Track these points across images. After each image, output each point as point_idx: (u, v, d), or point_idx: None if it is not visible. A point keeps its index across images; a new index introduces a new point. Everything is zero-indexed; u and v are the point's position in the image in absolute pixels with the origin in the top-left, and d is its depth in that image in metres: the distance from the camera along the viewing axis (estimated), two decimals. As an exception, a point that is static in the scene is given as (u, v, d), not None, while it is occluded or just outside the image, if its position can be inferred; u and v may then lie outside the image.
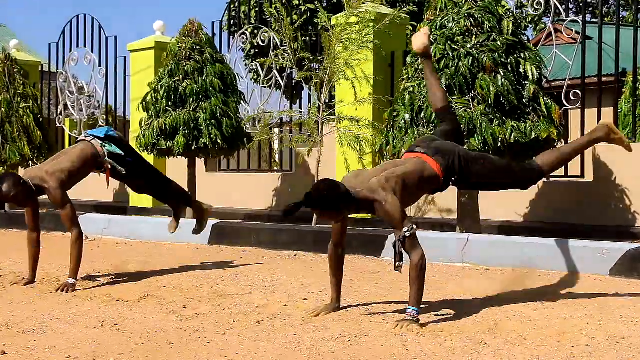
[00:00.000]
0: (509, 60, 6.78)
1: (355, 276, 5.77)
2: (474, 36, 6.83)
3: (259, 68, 11.11)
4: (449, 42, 6.84)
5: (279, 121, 10.84)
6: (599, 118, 8.20)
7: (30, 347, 3.74)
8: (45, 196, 5.55)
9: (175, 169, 10.62)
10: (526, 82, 6.78)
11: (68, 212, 5.42)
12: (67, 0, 78.47)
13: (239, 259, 6.86)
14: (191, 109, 9.15)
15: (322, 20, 8.86)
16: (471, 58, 6.72)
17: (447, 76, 6.74)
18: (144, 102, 9.57)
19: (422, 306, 4.12)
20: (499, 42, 6.78)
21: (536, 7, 8.43)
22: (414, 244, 4.06)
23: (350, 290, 5.15)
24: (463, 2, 6.98)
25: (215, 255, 7.16)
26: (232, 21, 12.36)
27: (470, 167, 4.41)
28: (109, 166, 5.74)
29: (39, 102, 12.44)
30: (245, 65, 17.48)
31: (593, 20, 16.23)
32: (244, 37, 11.17)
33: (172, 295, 5.06)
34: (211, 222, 8.39)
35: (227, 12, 12.39)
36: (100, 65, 12.59)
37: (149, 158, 10.57)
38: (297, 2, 19.20)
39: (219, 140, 9.06)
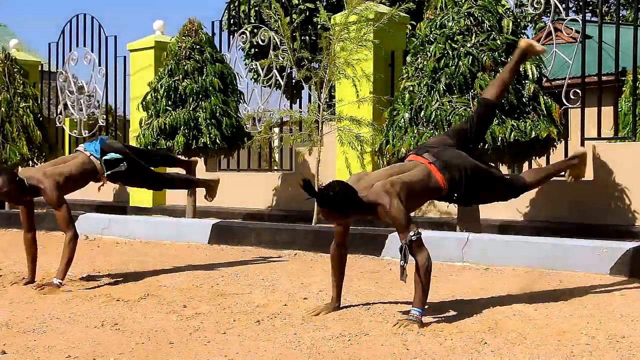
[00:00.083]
0: (508, 60, 6.77)
1: (356, 275, 5.77)
2: (474, 35, 6.83)
3: (259, 67, 11.11)
4: (448, 41, 6.85)
5: (279, 120, 10.83)
6: (599, 117, 8.21)
7: (30, 346, 3.74)
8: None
9: (175, 169, 10.61)
10: (526, 81, 6.78)
11: (63, 213, 5.41)
12: (67, 0, 78.57)
13: (239, 259, 6.87)
14: (191, 109, 9.15)
15: (322, 19, 8.86)
16: (471, 57, 6.72)
17: (447, 75, 6.74)
18: (143, 102, 9.57)
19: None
20: (498, 41, 6.79)
21: (536, 6, 8.42)
22: (420, 247, 4.07)
23: (350, 289, 5.15)
24: (463, 1, 6.99)
25: (215, 254, 7.16)
26: (231, 20, 12.37)
27: (474, 186, 4.44)
28: (106, 181, 5.81)
29: (39, 102, 12.44)
30: (245, 64, 17.51)
31: (593, 19, 16.24)
32: (244, 36, 11.17)
33: (172, 294, 5.06)
34: (211, 221, 8.40)
35: (226, 11, 12.39)
36: (100, 65, 12.59)
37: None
38: (297, 2, 19.20)
39: (218, 140, 9.06)
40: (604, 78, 8.49)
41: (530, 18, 22.15)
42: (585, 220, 7.82)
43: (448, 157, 4.38)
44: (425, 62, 6.94)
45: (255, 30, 10.95)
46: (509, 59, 6.75)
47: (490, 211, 7.90)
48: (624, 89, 12.42)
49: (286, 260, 6.76)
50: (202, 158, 10.10)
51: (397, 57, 9.16)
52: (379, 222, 8.72)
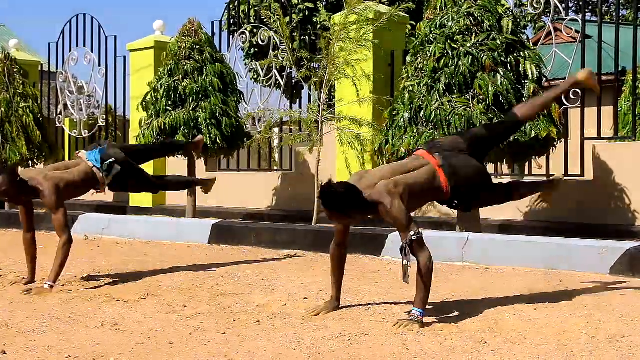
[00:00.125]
0: (508, 59, 6.78)
1: (356, 275, 5.77)
2: (474, 35, 6.83)
3: (259, 67, 11.11)
4: (448, 41, 6.85)
5: (279, 120, 10.83)
6: (599, 117, 8.21)
7: (30, 346, 3.74)
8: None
9: (175, 169, 10.62)
10: (526, 81, 6.78)
11: (60, 217, 5.39)
12: (67, 0, 78.57)
13: (239, 259, 6.86)
14: (191, 109, 9.15)
15: (321, 18, 8.86)
16: (471, 57, 6.72)
17: (447, 75, 6.74)
18: (143, 102, 9.57)
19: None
20: (498, 41, 6.79)
21: (536, 5, 8.42)
22: (421, 247, 4.07)
23: (350, 289, 5.15)
24: (463, 1, 6.99)
25: (215, 254, 7.16)
26: (231, 20, 12.37)
27: (475, 195, 4.45)
28: (106, 190, 5.83)
29: (39, 102, 12.44)
30: (245, 64, 17.51)
31: (593, 19, 16.24)
32: (244, 36, 11.17)
33: (172, 294, 5.06)
34: (211, 221, 8.40)
35: (226, 11, 12.39)
36: (100, 65, 12.59)
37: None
38: (296, 1, 19.19)
39: (218, 140, 9.06)
40: (603, 78, 8.49)
41: (530, 18, 22.14)
42: (585, 220, 7.83)
43: (458, 164, 4.34)
44: (425, 62, 6.94)
45: (255, 30, 10.95)
46: (509, 58, 6.77)
47: (490, 211, 7.89)
48: (623, 88, 12.42)
49: (286, 260, 6.76)
50: (202, 158, 10.11)
51: (396, 57, 9.16)
52: (379, 222, 8.73)
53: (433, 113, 6.69)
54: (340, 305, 4.54)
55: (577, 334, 3.80)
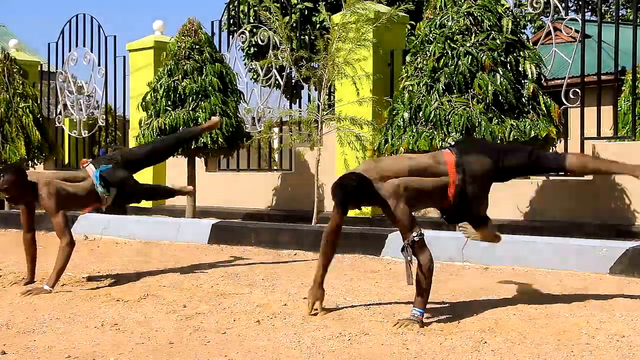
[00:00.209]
0: (508, 59, 6.78)
1: (355, 275, 5.77)
2: (473, 35, 6.83)
3: (258, 67, 11.11)
4: (448, 41, 6.85)
5: (278, 120, 10.83)
6: (599, 117, 8.21)
7: (30, 347, 3.74)
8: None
9: (175, 169, 10.62)
10: (525, 81, 6.78)
11: (59, 220, 5.37)
12: (66, 0, 78.56)
13: (238, 259, 6.86)
14: (190, 109, 9.15)
15: (321, 18, 8.86)
16: (470, 57, 6.72)
17: (447, 75, 6.74)
18: (143, 102, 9.57)
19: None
20: (498, 41, 6.79)
21: (535, 5, 8.42)
22: (422, 248, 4.08)
23: (350, 289, 5.15)
24: (462, 0, 6.99)
25: (215, 254, 7.16)
26: (231, 20, 12.36)
27: (466, 217, 4.48)
28: (105, 207, 5.85)
29: (39, 102, 12.44)
30: (245, 64, 17.50)
31: (592, 18, 16.24)
32: (243, 36, 11.17)
33: (172, 294, 5.06)
34: (211, 221, 8.40)
35: (226, 11, 12.39)
36: (99, 65, 12.58)
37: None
38: (296, 1, 19.19)
39: (218, 140, 9.06)
40: (603, 77, 8.49)
41: (529, 17, 22.15)
42: (585, 220, 7.83)
43: (471, 192, 4.28)
44: (424, 62, 6.94)
45: (255, 30, 10.95)
46: (508, 58, 6.77)
47: (490, 211, 7.88)
48: (623, 88, 12.43)
49: (286, 260, 6.76)
50: (202, 158, 10.11)
51: (396, 57, 9.16)
52: (379, 222, 8.74)
53: (432, 113, 6.69)
54: (340, 305, 4.54)
55: (577, 333, 3.80)
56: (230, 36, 11.62)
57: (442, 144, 6.54)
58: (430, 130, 6.68)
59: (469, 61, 6.71)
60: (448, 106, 6.67)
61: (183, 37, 9.50)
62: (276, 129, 11.55)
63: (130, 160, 5.94)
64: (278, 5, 9.21)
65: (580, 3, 22.93)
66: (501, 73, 6.66)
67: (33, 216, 5.67)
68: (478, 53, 6.73)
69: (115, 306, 4.72)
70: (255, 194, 10.77)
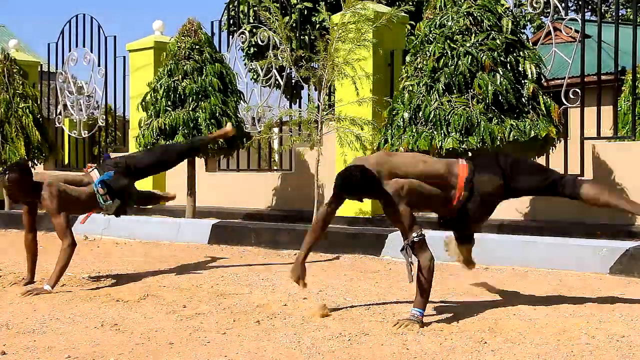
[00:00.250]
0: (508, 59, 6.78)
1: (355, 275, 5.78)
2: (473, 35, 6.83)
3: (258, 67, 11.11)
4: (448, 41, 6.85)
5: (278, 120, 10.82)
6: (599, 117, 8.21)
7: (30, 347, 3.74)
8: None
9: (175, 169, 10.61)
10: (525, 81, 6.78)
11: (61, 221, 5.37)
12: (66, 0, 78.55)
13: (239, 259, 6.87)
14: (190, 109, 9.15)
15: (320, 18, 8.86)
16: (470, 57, 6.72)
17: (446, 75, 6.74)
18: (143, 102, 9.57)
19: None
20: (498, 41, 6.78)
21: (535, 5, 8.42)
22: (423, 248, 4.08)
23: (350, 289, 5.15)
24: (462, 0, 6.99)
25: (215, 254, 7.16)
26: (231, 20, 12.35)
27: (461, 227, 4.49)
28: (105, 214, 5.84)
29: (39, 102, 12.43)
30: (245, 64, 17.49)
31: (592, 18, 16.25)
32: (243, 36, 11.17)
33: (172, 295, 5.06)
34: (211, 222, 8.40)
35: (226, 11, 12.39)
36: (99, 65, 12.58)
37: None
38: (295, 1, 19.19)
39: (218, 140, 9.05)
40: (603, 77, 8.49)
41: (529, 17, 22.15)
42: (585, 220, 7.82)
43: (477, 206, 4.29)
44: (424, 62, 6.94)
45: (255, 30, 10.95)
46: (508, 58, 6.77)
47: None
48: (623, 88, 12.42)
49: (286, 260, 6.76)
50: (202, 158, 10.11)
51: (396, 57, 9.16)
52: (379, 222, 8.73)
53: (432, 113, 6.69)
54: (340, 306, 4.54)
55: (577, 333, 3.81)
56: (230, 36, 11.62)
57: (441, 144, 6.54)
58: (430, 130, 6.68)
59: (469, 61, 6.71)
60: (448, 106, 6.67)
61: (183, 38, 9.49)
62: (276, 130, 11.54)
63: (135, 168, 5.92)
64: (278, 5, 9.20)
65: (580, 3, 22.92)
66: (501, 73, 6.66)
67: (35, 216, 5.67)
68: (478, 53, 6.73)
69: (115, 306, 4.73)
70: (255, 194, 10.77)
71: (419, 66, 6.98)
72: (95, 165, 5.85)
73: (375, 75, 8.90)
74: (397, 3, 18.76)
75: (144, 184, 11.23)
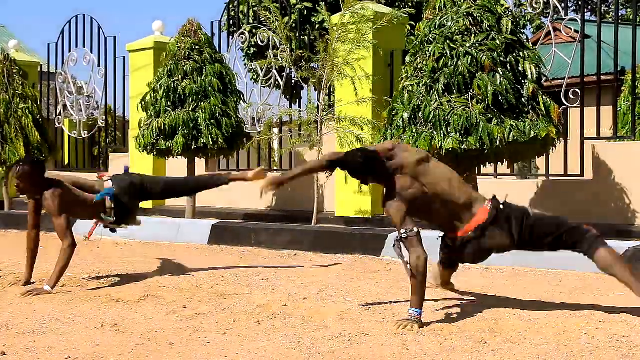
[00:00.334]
0: (508, 59, 6.78)
1: (355, 275, 5.78)
2: (473, 35, 6.83)
3: (258, 68, 11.11)
4: (447, 41, 6.84)
5: (278, 121, 10.82)
6: (598, 117, 8.21)
7: (30, 347, 3.74)
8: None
9: (176, 169, 10.62)
10: (525, 81, 6.78)
11: (61, 222, 5.35)
12: (66, 0, 78.51)
13: (238, 259, 6.87)
14: (190, 109, 9.15)
15: (320, 18, 8.86)
16: (470, 57, 6.72)
17: (446, 75, 6.74)
18: (143, 102, 9.57)
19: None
20: (498, 41, 6.78)
21: (535, 5, 8.42)
22: (412, 246, 4.07)
23: (350, 289, 5.15)
24: (462, 1, 6.98)
25: (215, 255, 7.16)
26: (231, 21, 12.36)
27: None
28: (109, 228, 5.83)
29: (39, 103, 12.43)
30: (245, 65, 17.50)
31: (592, 18, 16.25)
32: (243, 36, 11.17)
33: (172, 295, 5.06)
34: (211, 222, 8.40)
35: (226, 11, 12.39)
36: (99, 66, 12.57)
37: (149, 158, 10.61)
38: (295, 1, 19.19)
39: (218, 140, 9.06)
40: (603, 77, 8.49)
41: (529, 18, 22.14)
42: (585, 220, 7.80)
43: (476, 250, 4.29)
44: (424, 62, 6.94)
45: (254, 31, 10.95)
46: (508, 58, 6.77)
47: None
48: (623, 88, 12.42)
49: (286, 260, 6.76)
50: (203, 159, 10.11)
51: (396, 57, 9.16)
52: (379, 222, 8.74)
53: (432, 113, 6.69)
54: (340, 306, 4.54)
55: (576, 333, 3.81)
56: (230, 37, 11.62)
57: (441, 144, 6.54)
58: (430, 131, 6.68)
59: (469, 61, 6.71)
60: (447, 106, 6.67)
61: (183, 38, 9.50)
62: (276, 130, 11.54)
63: (150, 189, 5.90)
64: (277, 5, 9.20)
65: (579, 3, 22.93)
66: (501, 73, 6.66)
67: (40, 214, 5.66)
68: (478, 53, 6.72)
69: (115, 307, 4.73)
70: (255, 195, 10.73)
71: (418, 66, 6.98)
72: (112, 176, 5.83)
73: (375, 75, 8.89)
74: (397, 4, 18.78)
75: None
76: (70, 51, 13.08)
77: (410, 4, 19.27)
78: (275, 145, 14.06)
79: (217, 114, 9.14)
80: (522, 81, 6.79)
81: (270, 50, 10.31)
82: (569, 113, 9.31)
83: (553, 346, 3.59)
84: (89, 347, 3.74)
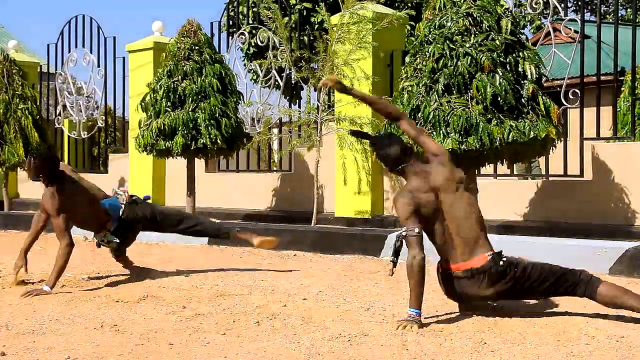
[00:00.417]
0: (507, 60, 6.78)
1: (355, 275, 5.78)
2: (473, 35, 6.83)
3: (258, 68, 11.11)
4: (447, 42, 6.84)
5: (278, 121, 10.83)
6: (598, 117, 8.21)
7: (29, 348, 3.74)
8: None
9: (175, 169, 10.62)
10: (525, 82, 6.78)
11: (60, 222, 5.35)
12: (66, 0, 78.53)
13: (238, 260, 6.87)
14: (190, 109, 9.15)
15: (319, 19, 8.87)
16: (470, 57, 6.72)
17: (446, 76, 6.74)
18: (142, 103, 9.57)
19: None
20: (497, 42, 6.78)
21: (535, 6, 8.42)
22: (410, 246, 4.06)
23: (350, 289, 5.15)
24: (462, 1, 6.98)
25: (215, 255, 7.16)
26: (230, 21, 12.37)
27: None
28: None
29: (38, 103, 12.43)
30: (244, 65, 17.50)
31: (592, 19, 16.26)
32: (243, 37, 11.17)
33: (172, 295, 5.06)
34: (210, 222, 8.39)
35: (225, 12, 12.39)
36: (99, 66, 12.57)
37: (148, 158, 10.60)
38: (294, 1, 19.20)
39: (218, 141, 9.06)
40: (602, 78, 8.48)
41: (529, 18, 22.13)
42: (585, 220, 7.82)
43: (455, 292, 4.21)
44: (423, 63, 6.94)
45: (254, 31, 10.96)
46: (508, 59, 6.78)
47: (489, 211, 7.90)
48: (622, 88, 12.42)
49: (285, 261, 6.76)
50: (202, 159, 10.11)
51: (395, 58, 9.15)
52: (379, 223, 8.74)
53: (432, 113, 6.69)
54: (340, 306, 4.54)
55: (576, 334, 3.81)
56: (230, 37, 11.62)
57: (441, 144, 6.54)
58: (430, 131, 6.68)
59: (468, 62, 6.71)
60: (447, 107, 6.67)
61: (182, 38, 9.50)
62: (275, 130, 11.54)
63: (154, 220, 5.90)
64: (277, 6, 9.20)
65: (579, 3, 22.93)
66: (500, 74, 6.66)
67: None
68: (477, 54, 6.72)
69: (115, 307, 4.73)
70: (254, 195, 10.77)
71: (418, 67, 6.98)
72: (132, 197, 5.81)
73: (375, 76, 8.89)
74: (397, 5, 18.78)
75: (144, 186, 11.25)
76: (69, 51, 13.08)
77: (409, 5, 19.28)
78: (275, 146, 14.06)
79: (217, 115, 9.13)
80: (522, 81, 6.79)
81: (269, 51, 10.31)
82: (568, 113, 9.30)
83: (553, 346, 3.59)
84: (88, 347, 3.74)
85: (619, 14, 9.07)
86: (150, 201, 6.04)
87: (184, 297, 4.97)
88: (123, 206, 5.70)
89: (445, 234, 4.15)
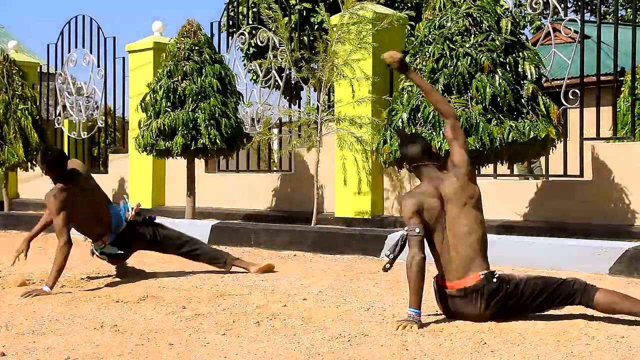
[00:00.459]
0: (507, 60, 6.78)
1: (355, 276, 5.78)
2: (473, 36, 6.83)
3: (258, 68, 11.11)
4: (447, 42, 6.85)
5: (278, 121, 10.83)
6: (598, 117, 8.21)
7: (29, 348, 3.74)
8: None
9: (175, 170, 10.62)
10: (525, 82, 6.78)
11: (59, 221, 5.34)
12: (66, 0, 78.56)
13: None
14: (190, 110, 9.15)
15: (318, 19, 8.86)
16: (469, 58, 6.72)
17: (446, 76, 6.74)
18: (142, 103, 9.57)
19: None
20: (497, 42, 6.79)
21: (535, 6, 8.42)
22: (410, 246, 4.06)
23: (350, 289, 5.15)
24: (461, 1, 6.99)
25: (214, 255, 7.14)
26: (230, 21, 12.37)
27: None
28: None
29: (38, 104, 12.42)
30: (244, 65, 17.50)
31: (592, 19, 16.27)
32: (243, 37, 11.17)
33: (172, 295, 5.06)
34: (210, 222, 8.40)
35: (225, 12, 12.39)
36: (99, 66, 12.58)
37: (148, 158, 10.60)
38: (294, 2, 19.20)
39: (218, 141, 9.06)
40: (602, 78, 8.48)
41: (529, 18, 22.14)
42: (585, 220, 7.83)
43: (448, 307, 4.17)
44: (423, 63, 6.94)
45: (254, 31, 10.96)
46: (507, 59, 6.78)
47: (489, 211, 7.89)
48: (622, 88, 12.42)
49: (285, 261, 6.76)
50: (202, 159, 10.11)
51: (395, 58, 9.14)
52: (379, 223, 8.74)
53: (431, 114, 6.69)
54: (340, 306, 4.53)
55: (577, 334, 3.80)
56: (230, 37, 11.62)
57: (440, 144, 6.54)
58: (429, 131, 6.68)
59: (468, 62, 6.71)
60: (447, 107, 6.67)
61: (182, 38, 9.50)
62: (275, 130, 11.54)
63: (154, 242, 5.95)
64: (277, 6, 9.20)
65: (579, 3, 22.93)
66: (500, 74, 6.67)
67: None
68: (477, 54, 6.73)
69: (115, 307, 4.72)
70: (254, 195, 10.77)
71: (418, 67, 6.99)
72: (145, 217, 5.88)
73: (375, 76, 8.89)
74: (397, 5, 18.77)
75: (144, 186, 11.24)
76: (69, 52, 13.08)
77: (409, 5, 19.27)
78: (275, 146, 14.06)
79: (217, 115, 9.14)
80: (522, 82, 6.79)
81: (269, 51, 10.31)
82: (568, 113, 9.31)
83: (553, 347, 3.59)
84: (88, 347, 3.74)
85: (619, 14, 9.07)
86: (157, 220, 6.08)
87: (184, 297, 4.97)
88: (125, 223, 5.72)
89: (444, 246, 4.12)
